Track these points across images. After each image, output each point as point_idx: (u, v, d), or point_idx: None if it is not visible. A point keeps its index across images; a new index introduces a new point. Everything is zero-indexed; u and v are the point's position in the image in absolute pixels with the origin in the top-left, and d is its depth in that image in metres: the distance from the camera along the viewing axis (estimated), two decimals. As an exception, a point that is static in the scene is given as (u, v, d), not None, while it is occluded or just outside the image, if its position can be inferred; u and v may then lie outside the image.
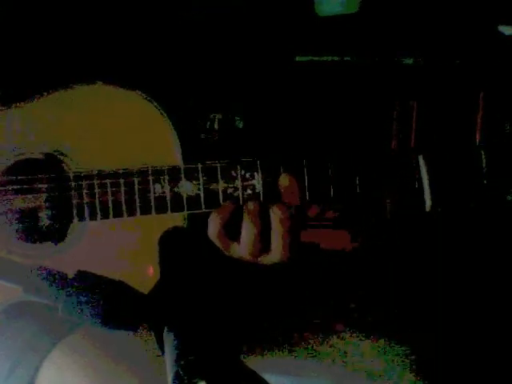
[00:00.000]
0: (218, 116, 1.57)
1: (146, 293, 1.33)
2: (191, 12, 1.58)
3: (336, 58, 1.88)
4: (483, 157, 1.35)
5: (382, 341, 1.60)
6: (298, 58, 1.75)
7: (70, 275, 1.07)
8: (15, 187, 1.46)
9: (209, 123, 1.57)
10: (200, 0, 1.59)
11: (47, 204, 1.46)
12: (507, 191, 1.35)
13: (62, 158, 1.45)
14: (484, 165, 1.35)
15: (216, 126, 1.57)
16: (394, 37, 1.89)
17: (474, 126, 1.83)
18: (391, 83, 1.91)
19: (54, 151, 1.45)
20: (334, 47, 1.88)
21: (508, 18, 1.90)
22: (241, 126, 1.57)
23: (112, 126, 1.45)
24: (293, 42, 1.71)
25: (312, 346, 1.63)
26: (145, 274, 1.41)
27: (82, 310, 1.04)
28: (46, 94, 1.46)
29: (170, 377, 0.99)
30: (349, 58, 1.89)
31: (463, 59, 1.91)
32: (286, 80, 1.67)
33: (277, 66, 1.66)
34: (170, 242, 1.32)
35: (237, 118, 1.57)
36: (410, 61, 1.92)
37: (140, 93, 1.44)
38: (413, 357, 1.59)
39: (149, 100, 1.44)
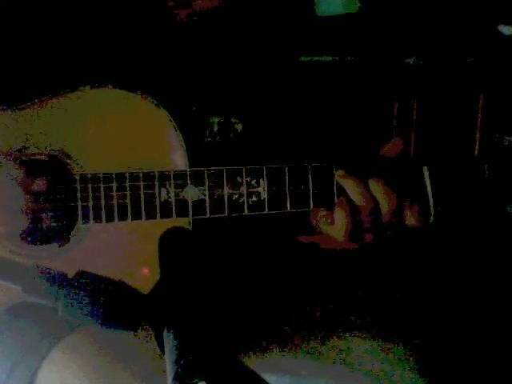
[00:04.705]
0: (217, 119, 1.57)
1: (147, 293, 1.33)
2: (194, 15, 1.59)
3: (336, 58, 1.88)
4: (485, 168, 1.35)
5: (382, 341, 1.60)
6: (301, 59, 1.75)
7: (70, 275, 1.07)
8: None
9: (208, 127, 1.57)
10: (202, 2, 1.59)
11: (51, 205, 1.45)
12: (507, 202, 1.35)
13: (66, 159, 1.45)
14: (486, 176, 1.36)
15: (215, 129, 1.57)
16: (393, 37, 1.89)
17: (475, 130, 1.83)
18: (391, 83, 1.91)
19: (59, 153, 1.45)
20: (333, 47, 1.88)
21: (508, 17, 1.90)
22: (240, 128, 1.57)
23: (118, 129, 1.45)
24: (291, 42, 1.70)
25: (312, 346, 1.63)
26: (142, 275, 1.41)
27: (82, 310, 1.04)
28: (52, 96, 1.46)
29: (170, 377, 0.99)
30: (349, 58, 1.89)
31: (463, 59, 1.91)
32: (284, 80, 1.67)
33: (275, 67, 1.66)
34: (170, 242, 1.32)
35: (235, 120, 1.57)
36: (410, 61, 1.92)
37: (146, 96, 1.44)
38: (413, 357, 1.59)
39: (155, 104, 1.44)
